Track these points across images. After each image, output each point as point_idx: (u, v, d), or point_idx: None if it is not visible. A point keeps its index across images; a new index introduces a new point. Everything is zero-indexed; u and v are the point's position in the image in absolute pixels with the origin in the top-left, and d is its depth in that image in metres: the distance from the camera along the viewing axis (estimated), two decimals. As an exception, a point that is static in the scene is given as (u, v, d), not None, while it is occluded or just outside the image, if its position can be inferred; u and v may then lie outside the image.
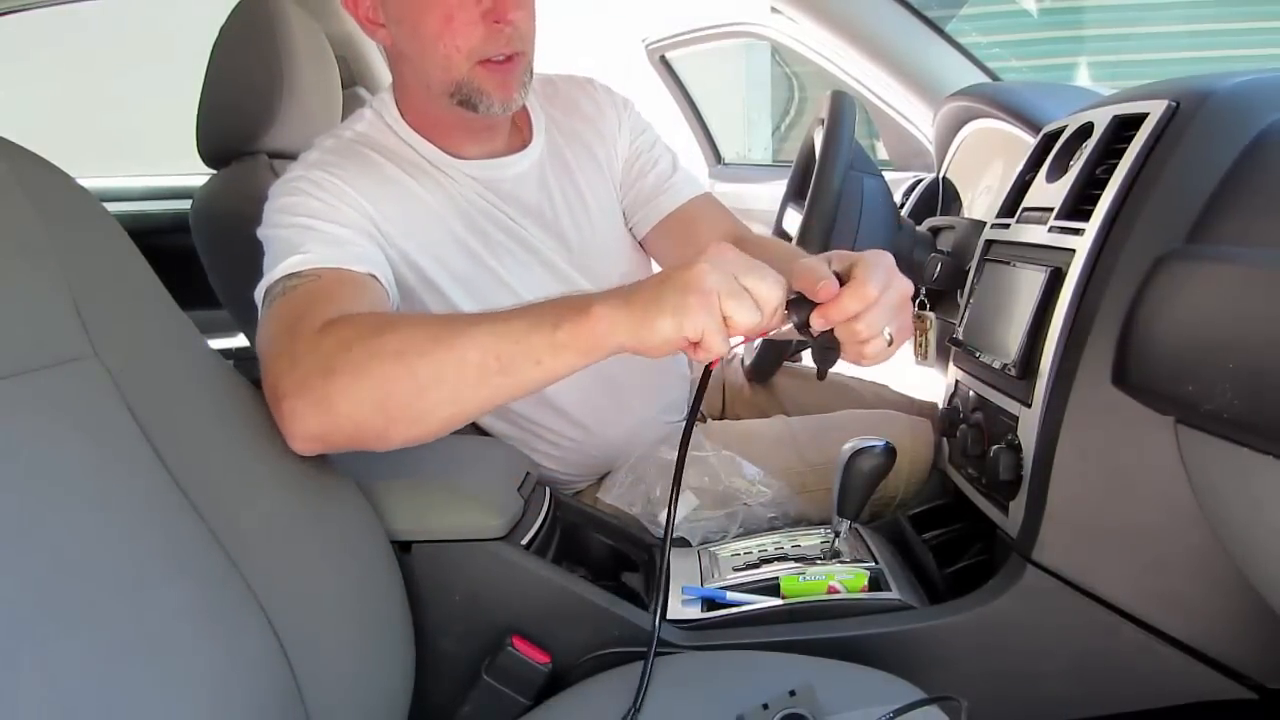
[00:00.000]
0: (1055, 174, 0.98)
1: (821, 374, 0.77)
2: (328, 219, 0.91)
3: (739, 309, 0.65)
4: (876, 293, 0.68)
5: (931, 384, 1.32)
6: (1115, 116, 0.91)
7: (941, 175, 1.61)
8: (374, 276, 0.89)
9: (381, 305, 0.88)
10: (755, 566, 0.95)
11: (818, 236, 1.24)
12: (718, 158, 2.79)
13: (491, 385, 0.71)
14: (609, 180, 1.17)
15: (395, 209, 0.99)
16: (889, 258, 0.71)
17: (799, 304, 0.70)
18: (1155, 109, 0.84)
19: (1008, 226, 1.03)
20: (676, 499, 0.76)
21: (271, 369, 0.77)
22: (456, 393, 0.72)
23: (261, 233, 0.93)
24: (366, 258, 0.90)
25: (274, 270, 0.86)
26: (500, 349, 0.70)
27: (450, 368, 0.71)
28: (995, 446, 0.91)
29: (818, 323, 0.69)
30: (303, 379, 0.74)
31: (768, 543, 1.00)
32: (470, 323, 0.72)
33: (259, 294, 0.87)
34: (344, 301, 0.81)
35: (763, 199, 2.29)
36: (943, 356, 1.28)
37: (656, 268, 1.22)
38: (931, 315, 1.36)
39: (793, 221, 1.43)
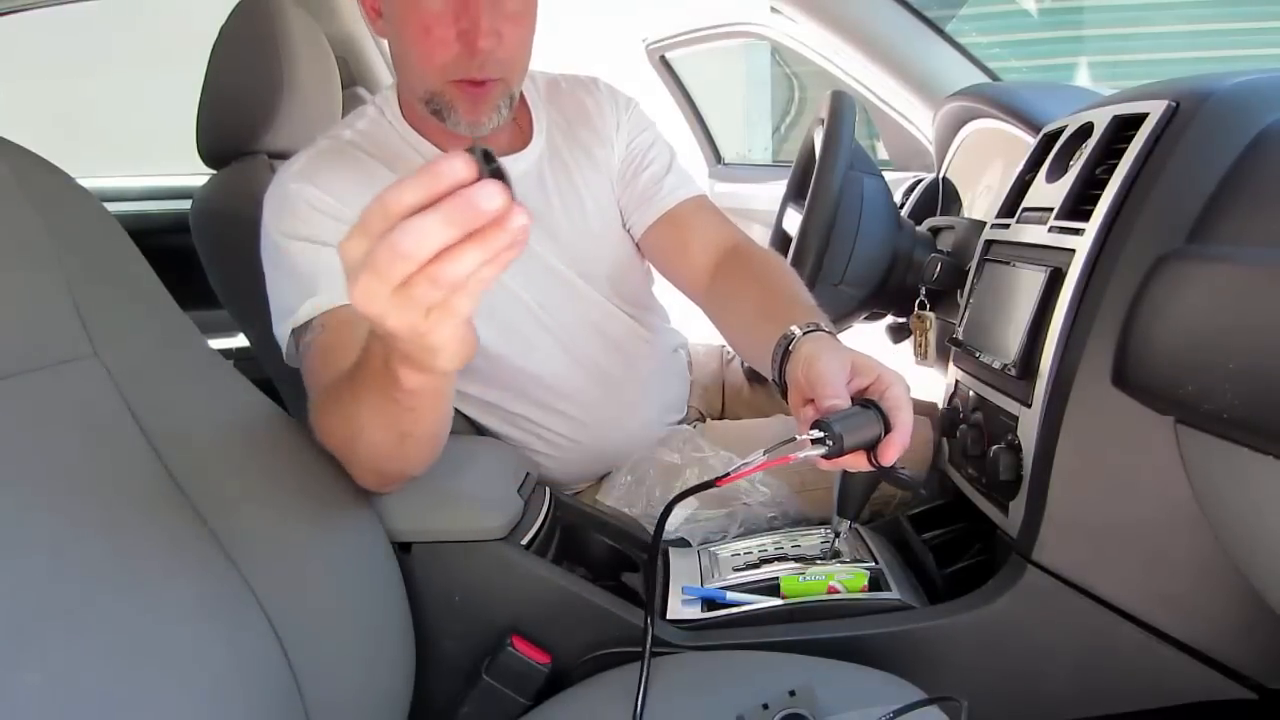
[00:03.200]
0: (1055, 174, 0.98)
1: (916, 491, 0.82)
2: (325, 242, 0.94)
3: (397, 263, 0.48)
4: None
5: (931, 384, 1.32)
6: (1115, 116, 0.90)
7: (941, 175, 1.61)
8: None
9: None
10: (755, 566, 0.95)
11: (818, 236, 1.24)
12: (718, 158, 2.79)
13: (405, 420, 0.70)
14: (606, 181, 1.16)
15: None
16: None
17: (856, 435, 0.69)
18: (1155, 109, 0.84)
19: (1008, 227, 1.03)
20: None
21: None
22: (398, 435, 0.72)
23: (266, 252, 0.96)
24: None
25: (294, 313, 0.92)
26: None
27: (375, 426, 0.71)
28: (995, 446, 0.91)
29: (890, 455, 0.70)
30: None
31: (768, 543, 1.00)
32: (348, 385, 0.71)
33: (283, 330, 0.93)
34: (343, 354, 0.83)
35: (763, 199, 2.29)
36: (943, 356, 1.28)
37: (653, 270, 1.22)
38: (931, 315, 1.36)
39: (793, 221, 1.43)
